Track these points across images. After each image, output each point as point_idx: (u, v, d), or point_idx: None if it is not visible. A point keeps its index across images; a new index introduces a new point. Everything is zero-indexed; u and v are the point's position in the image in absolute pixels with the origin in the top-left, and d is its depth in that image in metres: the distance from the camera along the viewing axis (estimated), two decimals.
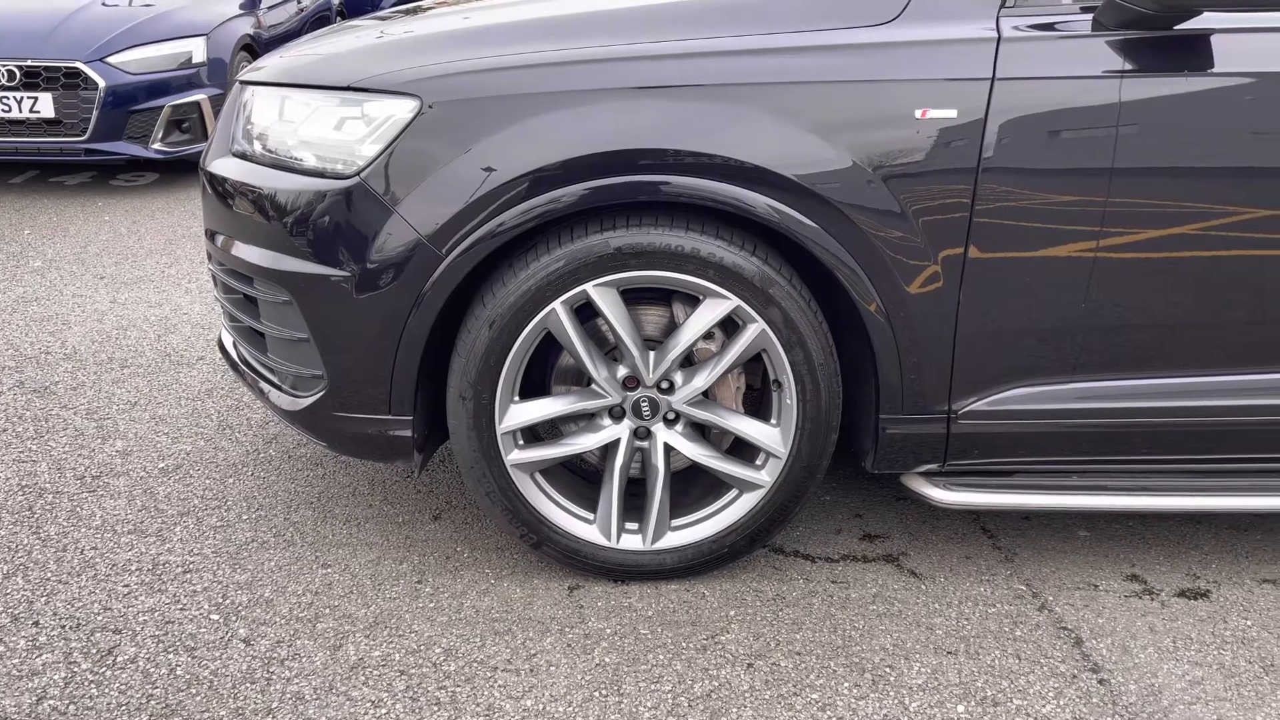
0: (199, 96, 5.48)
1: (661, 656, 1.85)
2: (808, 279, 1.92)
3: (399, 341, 1.88)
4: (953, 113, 1.78)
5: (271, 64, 2.15)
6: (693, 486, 2.12)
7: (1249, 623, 1.97)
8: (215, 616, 1.95)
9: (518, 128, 1.80)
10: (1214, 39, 1.79)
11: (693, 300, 1.92)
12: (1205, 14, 1.76)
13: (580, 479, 2.16)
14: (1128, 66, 1.79)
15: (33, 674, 1.78)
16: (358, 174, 1.84)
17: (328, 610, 1.97)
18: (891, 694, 1.77)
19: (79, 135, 5.17)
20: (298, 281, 1.92)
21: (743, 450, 2.06)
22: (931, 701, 1.75)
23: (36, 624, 1.91)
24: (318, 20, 7.49)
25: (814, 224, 1.81)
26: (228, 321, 2.25)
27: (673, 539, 2.03)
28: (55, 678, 1.77)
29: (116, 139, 5.21)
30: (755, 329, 1.89)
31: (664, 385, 1.97)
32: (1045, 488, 2.04)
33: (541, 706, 1.73)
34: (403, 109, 1.82)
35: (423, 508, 2.34)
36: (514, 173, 1.79)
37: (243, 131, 2.05)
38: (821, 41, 1.82)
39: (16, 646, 1.85)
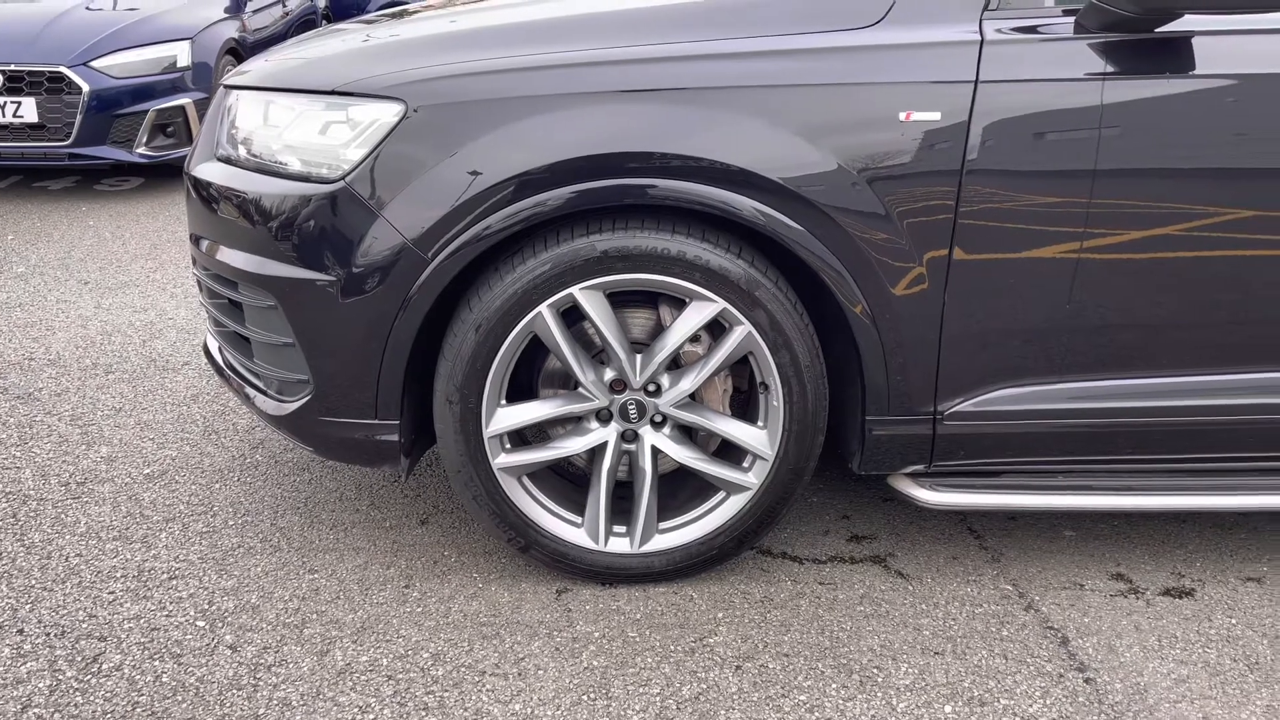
0: (184, 100, 5.46)
1: (650, 659, 1.85)
2: (794, 281, 1.92)
3: (385, 345, 1.87)
4: (936, 115, 1.79)
5: (256, 68, 2.14)
6: (680, 489, 2.12)
7: (1233, 621, 1.98)
8: (201, 623, 1.94)
9: (503, 131, 1.80)
10: (1195, 41, 1.81)
11: (679, 303, 1.92)
12: (1186, 16, 1.77)
13: (568, 482, 2.16)
14: (1110, 69, 1.80)
15: (17, 682, 1.77)
16: (343, 178, 1.83)
17: (315, 616, 1.96)
18: (879, 695, 1.77)
19: (63, 140, 5.14)
20: (283, 286, 1.91)
21: (730, 452, 2.06)
22: (919, 702, 1.75)
23: (21, 632, 1.90)
24: (303, 24, 7.48)
25: (800, 227, 1.82)
26: (213, 326, 2.24)
27: (661, 542, 2.03)
28: (40, 685, 1.76)
29: (101, 143, 5.19)
30: (741, 331, 1.89)
31: (651, 388, 1.97)
32: (1031, 488, 2.05)
33: (530, 710, 1.72)
34: (388, 113, 1.81)
35: (410, 512, 2.33)
36: (500, 176, 1.79)
37: (227, 136, 2.05)
38: (806, 45, 1.83)
39: (1, 654, 1.83)
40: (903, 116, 1.79)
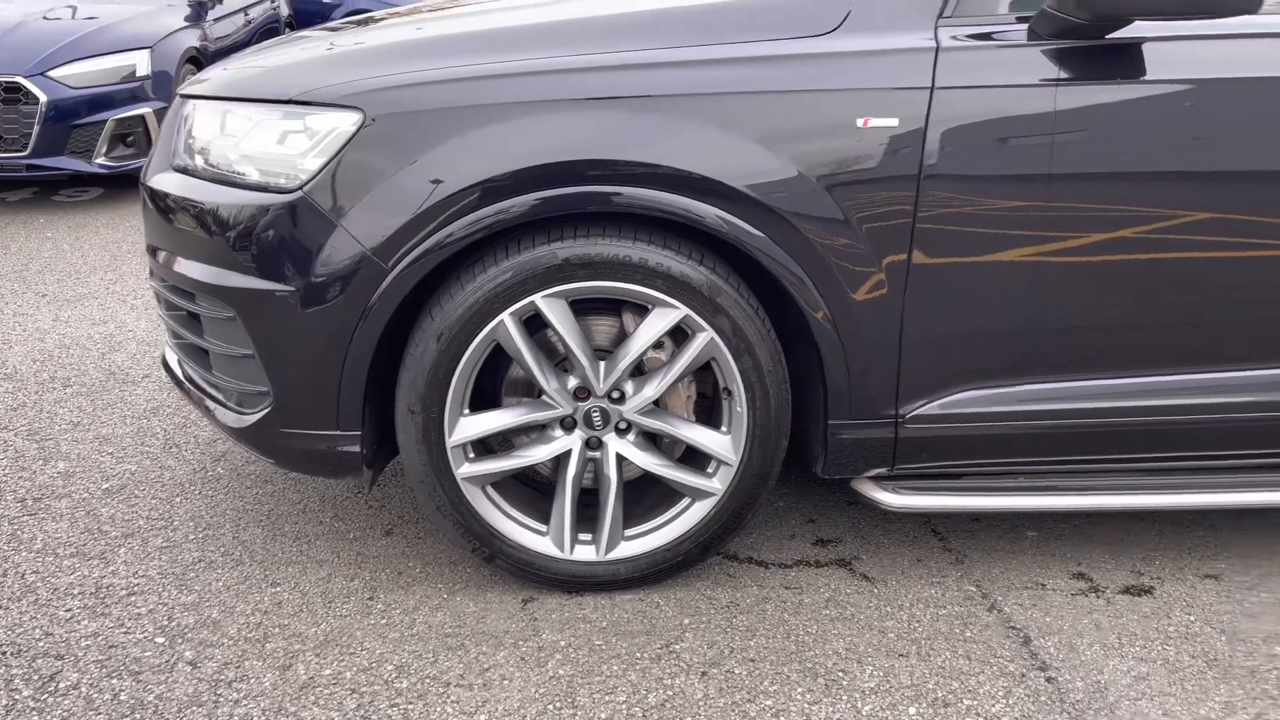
0: (144, 110, 5.40)
1: (616, 667, 1.85)
2: (756, 287, 1.93)
3: (345, 356, 1.86)
4: (894, 121, 1.80)
5: (214, 77, 2.13)
6: (646, 496, 2.12)
7: (1192, 618, 2.01)
8: (160, 639, 1.91)
9: (465, 139, 1.79)
10: (1146, 47, 1.84)
11: (643, 310, 1.92)
12: (1136, 23, 1.80)
13: (533, 490, 2.15)
14: (1063, 75, 1.83)
15: None
16: (301, 188, 1.82)
17: (277, 630, 1.94)
18: (844, 698, 1.78)
19: (20, 151, 5.06)
20: (241, 297, 1.89)
21: (695, 458, 2.06)
22: (884, 704, 1.76)
23: None
24: (266, 32, 7.42)
25: (761, 233, 1.83)
26: (171, 339, 2.22)
27: (626, 549, 2.03)
28: None
29: (58, 154, 5.12)
30: (704, 338, 1.89)
31: (615, 395, 1.97)
32: (993, 490, 2.07)
33: None
34: (345, 122, 1.80)
35: (374, 523, 2.31)
36: (462, 184, 1.78)
37: (184, 145, 2.03)
38: (764, 52, 1.84)
39: None
40: (860, 123, 1.81)
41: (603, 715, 1.73)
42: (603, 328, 2.04)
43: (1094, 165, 1.85)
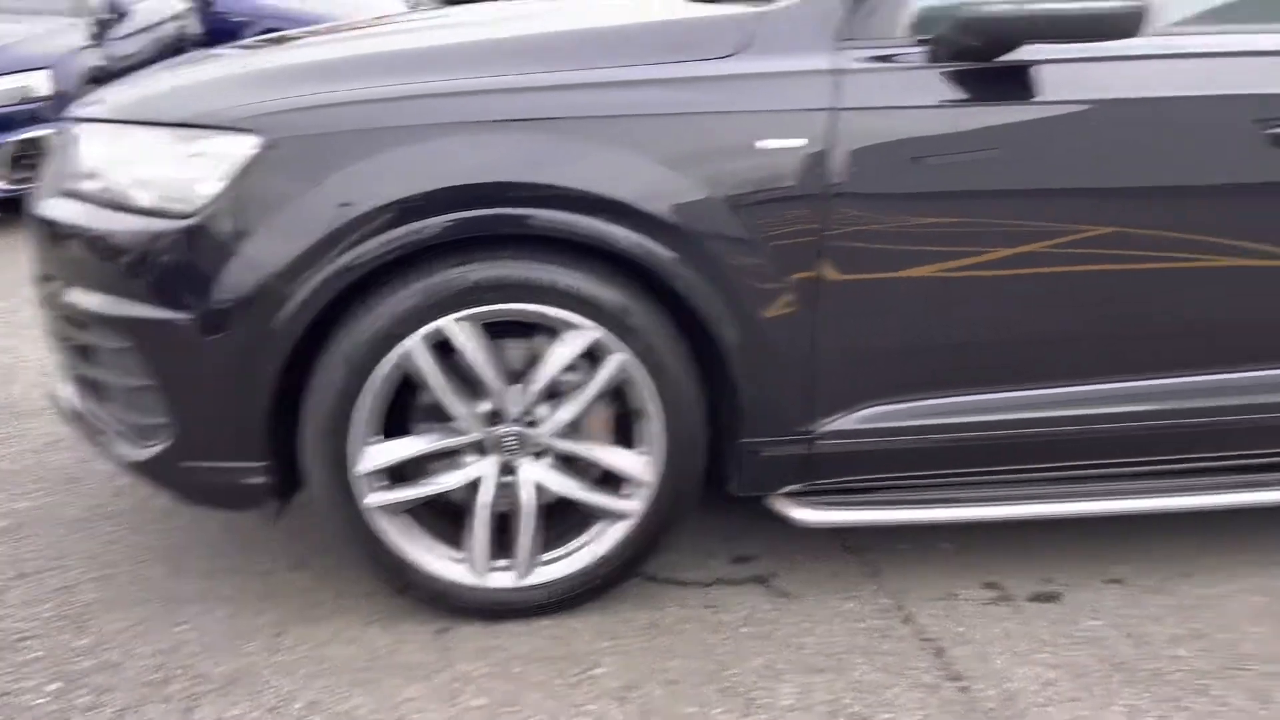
0: (44, 131, 5.20)
1: (534, 696, 1.82)
2: (670, 306, 1.93)
3: (248, 384, 1.81)
4: (797, 142, 1.83)
5: (108, 99, 2.06)
6: (563, 518, 2.09)
7: (1098, 622, 2.06)
8: (54, 686, 1.82)
9: (373, 162, 1.77)
10: (1038, 69, 1.89)
11: (556, 332, 1.91)
12: (1028, 46, 1.86)
13: (447, 517, 2.11)
14: (961, 96, 1.87)
15: None
16: (197, 213, 1.77)
17: (179, 671, 1.87)
18: (764, 716, 1.78)
19: None
20: (137, 326, 1.83)
21: (613, 480, 2.05)
22: None
23: None
24: (173, 50, 7.22)
25: (672, 254, 1.83)
26: (65, 370, 2.13)
27: (544, 574, 2.01)
28: None
29: None
30: (618, 359, 1.89)
31: (529, 419, 1.95)
32: (905, 503, 2.10)
33: None
34: (244, 145, 1.76)
35: (284, 556, 2.25)
36: (369, 207, 1.75)
37: (76, 170, 1.95)
38: (671, 75, 1.85)
39: None
40: (765, 144, 1.83)
41: None
42: (517, 350, 2.02)
43: (993, 183, 1.90)
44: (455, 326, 1.83)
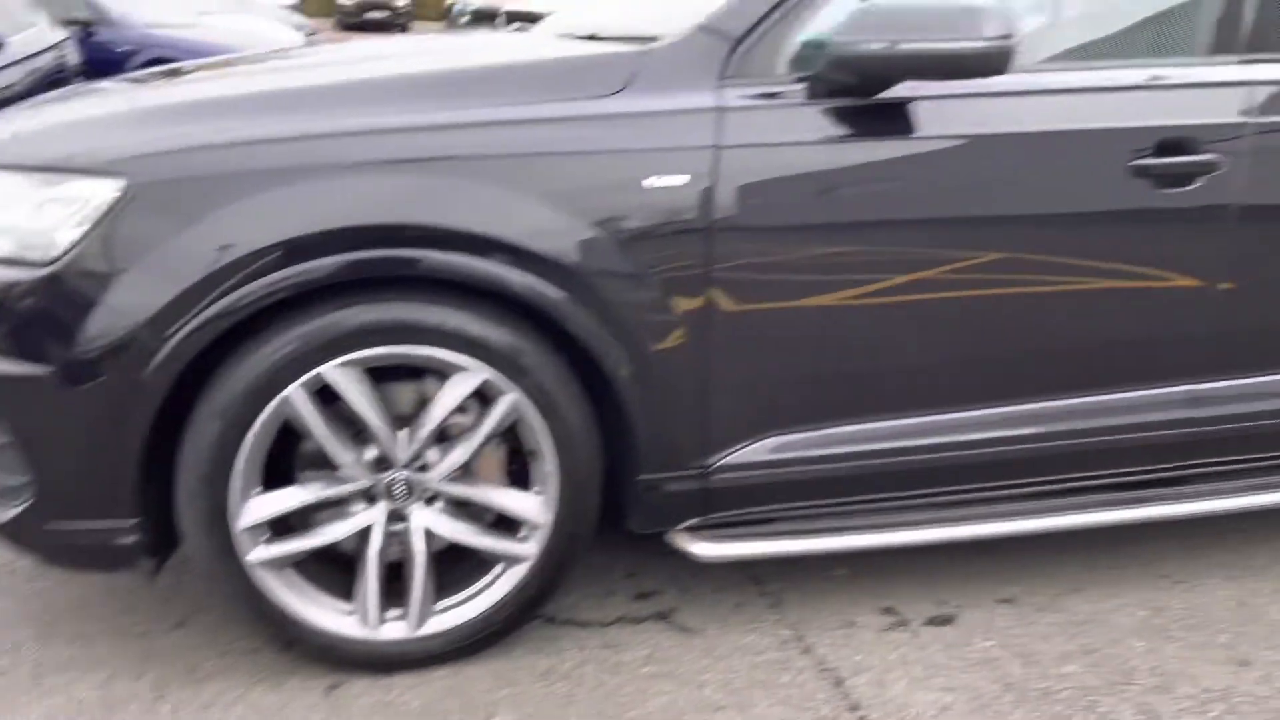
0: None
1: None
2: (562, 344, 1.91)
3: (116, 439, 1.72)
4: (682, 179, 1.84)
5: None
6: (458, 564, 2.04)
7: (990, 643, 2.10)
8: None
9: (249, 205, 1.72)
10: (915, 105, 1.94)
11: (445, 374, 1.87)
12: (904, 83, 1.90)
13: (337, 567, 2.04)
14: (841, 131, 1.91)
15: None
16: (56, 261, 1.68)
17: None
18: None
19: None
20: None
21: (508, 522, 2.01)
22: None
23: None
24: (52, 82, 6.93)
25: (561, 293, 1.82)
26: None
27: (438, 622, 1.95)
28: None
29: None
30: (509, 400, 1.86)
31: (419, 464, 1.90)
32: (803, 532, 2.11)
33: None
34: (105, 190, 1.69)
35: (164, 615, 2.14)
36: (245, 251, 1.70)
37: None
38: (555, 113, 1.84)
39: None
40: (650, 181, 1.83)
41: None
42: (405, 393, 1.97)
43: (874, 214, 1.94)
44: (337, 373, 1.77)
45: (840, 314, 1.97)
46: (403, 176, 1.77)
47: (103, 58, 7.86)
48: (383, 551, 1.91)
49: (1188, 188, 2.06)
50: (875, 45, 1.79)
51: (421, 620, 1.94)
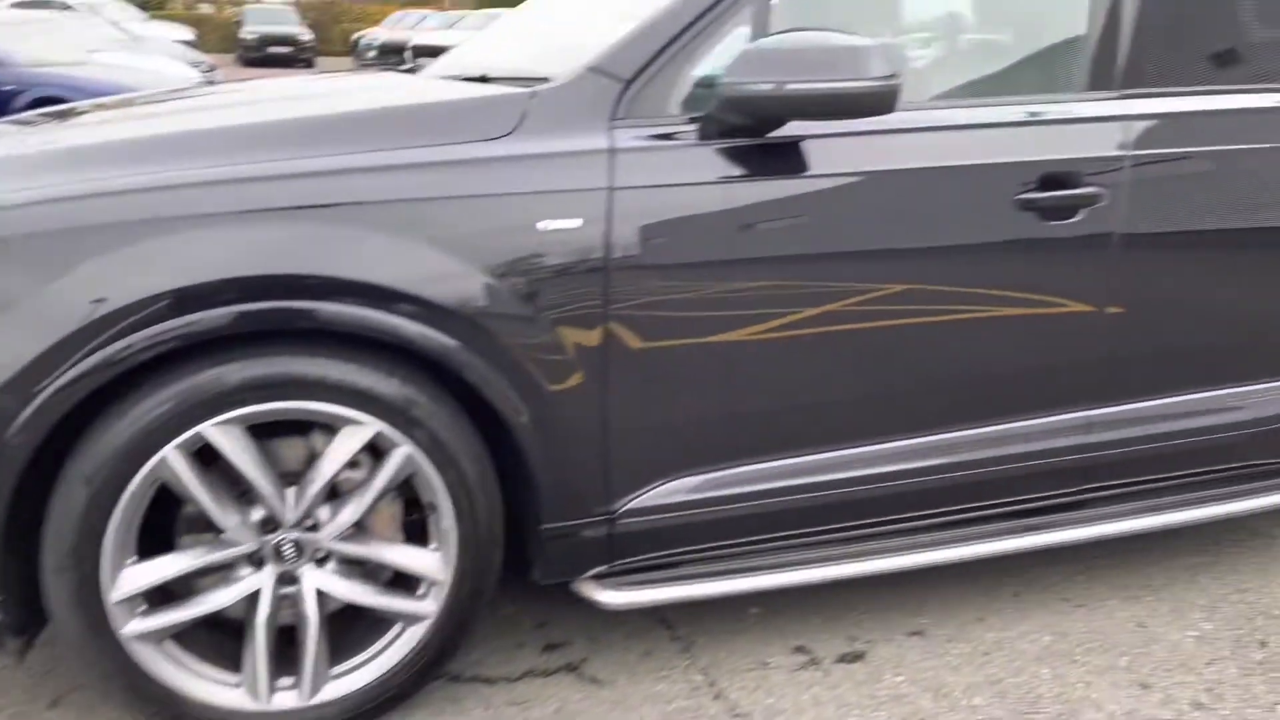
0: None
1: None
2: (458, 392, 1.86)
3: None
4: (576, 222, 1.81)
5: None
6: (354, 625, 1.95)
7: (900, 679, 2.09)
8: None
9: (122, 255, 1.63)
10: (808, 143, 1.95)
11: (334, 428, 1.79)
12: (794, 122, 1.91)
13: (223, 633, 1.93)
14: (734, 171, 1.91)
15: None
16: None
17: None
18: None
19: None
20: None
21: (406, 580, 1.93)
22: None
23: None
24: None
25: (455, 342, 1.77)
26: None
27: (334, 689, 1.86)
28: None
29: None
30: (402, 453, 1.79)
31: (309, 523, 1.82)
32: (712, 575, 2.08)
33: None
34: None
35: (37, 694, 1.99)
36: (122, 302, 1.61)
37: None
38: (443, 158, 1.80)
39: None
40: (543, 225, 1.80)
41: None
42: (293, 449, 1.89)
43: (771, 251, 1.94)
44: (218, 431, 1.69)
45: (739, 351, 1.96)
46: (289, 224, 1.71)
47: None
48: (272, 617, 1.81)
49: (1072, 220, 2.11)
50: (764, 86, 1.79)
51: (315, 688, 1.84)
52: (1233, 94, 2.30)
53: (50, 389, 1.60)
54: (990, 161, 2.07)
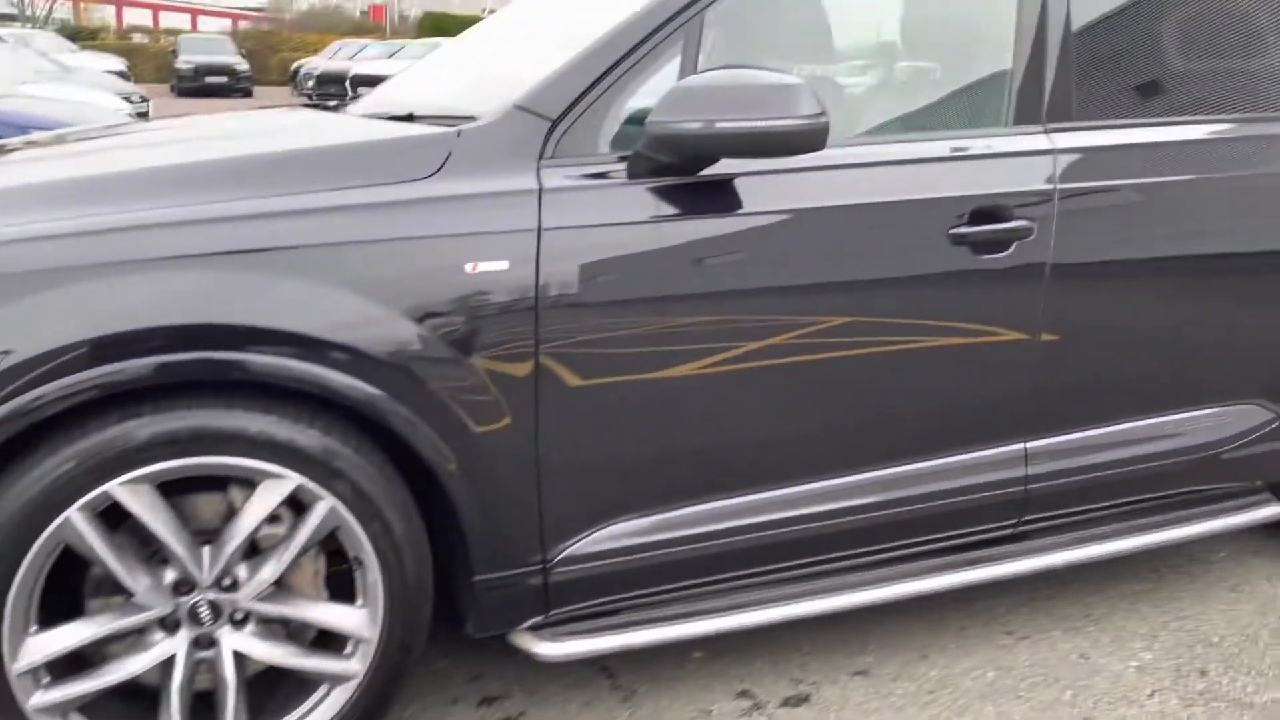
0: None
1: None
2: (384, 441, 1.79)
3: None
4: (504, 264, 1.76)
5: None
6: (278, 687, 1.87)
7: None
8: None
9: (35, 303, 1.56)
10: (738, 181, 1.93)
11: (252, 482, 1.72)
12: (725, 161, 1.89)
13: (136, 702, 1.83)
14: (665, 211, 1.88)
15: None
16: None
17: None
18: None
19: None
20: None
21: (332, 638, 1.85)
22: None
23: None
24: None
25: (379, 390, 1.71)
26: None
27: None
28: None
29: None
30: (324, 507, 1.72)
31: (226, 582, 1.73)
32: (651, 621, 2.03)
33: None
34: None
35: None
36: (33, 352, 1.53)
37: None
38: (365, 200, 1.74)
39: None
40: (469, 268, 1.75)
41: None
42: (208, 505, 1.80)
43: (704, 288, 1.90)
44: (125, 490, 1.60)
45: (673, 390, 1.92)
46: (211, 270, 1.64)
47: None
48: (188, 683, 1.72)
49: (1004, 253, 2.11)
50: (692, 125, 1.76)
51: None
52: (1157, 126, 2.33)
53: None
54: (922, 197, 2.07)
